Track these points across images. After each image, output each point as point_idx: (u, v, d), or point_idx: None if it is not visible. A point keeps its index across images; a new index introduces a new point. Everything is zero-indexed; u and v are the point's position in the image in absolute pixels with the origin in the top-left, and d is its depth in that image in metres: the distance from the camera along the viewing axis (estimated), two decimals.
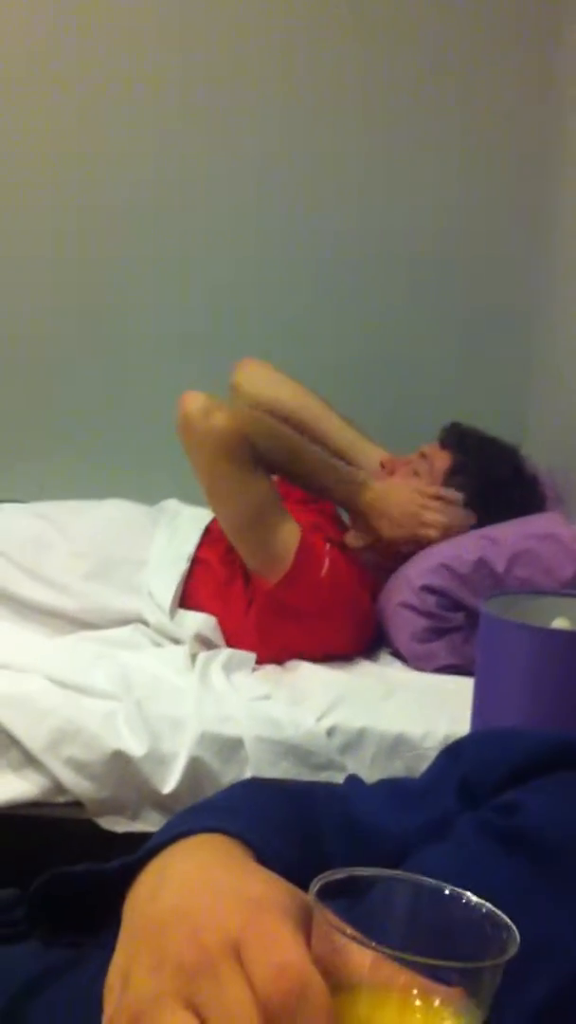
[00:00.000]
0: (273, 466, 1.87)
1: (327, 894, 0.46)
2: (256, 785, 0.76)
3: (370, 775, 1.59)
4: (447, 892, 0.48)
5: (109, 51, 2.45)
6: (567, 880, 0.59)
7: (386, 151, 2.49)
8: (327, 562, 1.86)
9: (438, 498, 1.98)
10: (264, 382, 2.02)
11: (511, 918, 0.46)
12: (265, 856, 0.57)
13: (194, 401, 1.82)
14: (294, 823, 0.66)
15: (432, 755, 1.48)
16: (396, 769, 1.57)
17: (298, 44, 2.45)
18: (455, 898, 0.48)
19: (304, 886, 0.49)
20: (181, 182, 2.49)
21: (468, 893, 0.47)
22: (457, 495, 1.98)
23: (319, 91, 2.47)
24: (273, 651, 1.88)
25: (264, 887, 0.50)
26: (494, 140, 2.48)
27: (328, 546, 1.91)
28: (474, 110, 2.47)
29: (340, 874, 0.48)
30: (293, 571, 1.83)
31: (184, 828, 0.58)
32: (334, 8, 2.44)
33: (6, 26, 2.43)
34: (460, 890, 0.48)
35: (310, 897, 0.46)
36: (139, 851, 0.59)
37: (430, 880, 0.49)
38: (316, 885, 0.47)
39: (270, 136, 2.48)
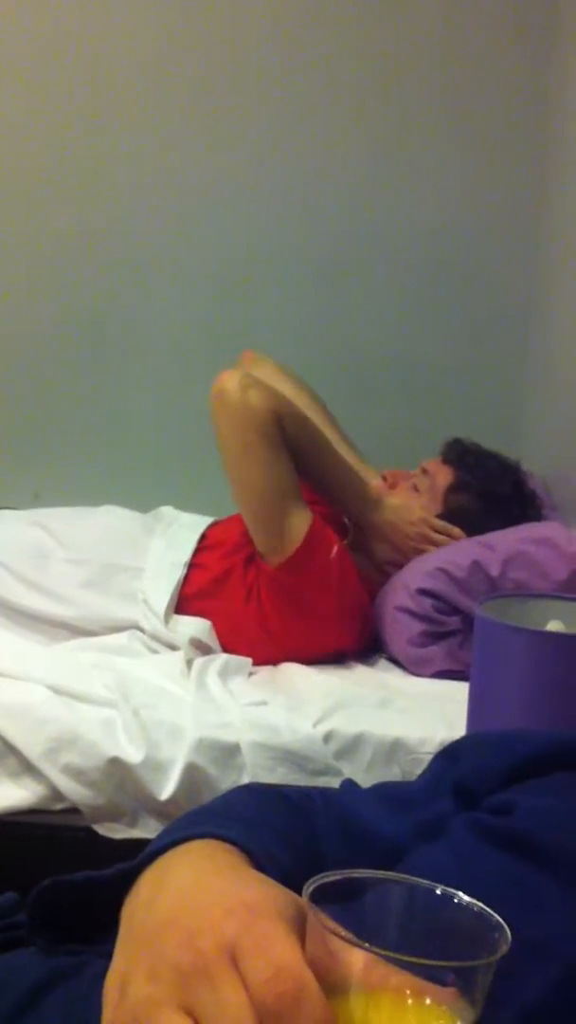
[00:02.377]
0: (293, 458, 1.88)
1: (322, 898, 0.47)
2: (252, 790, 0.76)
3: (367, 780, 1.57)
4: (439, 892, 0.48)
5: (106, 55, 2.44)
6: (560, 879, 0.59)
7: (385, 154, 2.49)
8: (336, 548, 1.88)
9: (446, 534, 2.01)
10: (280, 386, 2.01)
11: (505, 917, 0.46)
12: (261, 861, 0.57)
13: (232, 378, 1.86)
14: (290, 827, 0.67)
15: (429, 759, 1.49)
16: (393, 774, 1.57)
17: (297, 46, 2.45)
18: (447, 898, 0.48)
19: (301, 890, 0.49)
20: (177, 187, 2.49)
21: (460, 893, 0.48)
22: (463, 536, 2.00)
23: (317, 93, 2.47)
24: (272, 644, 1.88)
25: (259, 891, 0.50)
26: (492, 145, 2.48)
27: (338, 537, 1.92)
28: (473, 115, 2.47)
29: (334, 876, 0.48)
30: (302, 551, 1.85)
31: (181, 835, 0.59)
32: (333, 8, 2.44)
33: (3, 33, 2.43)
34: (452, 890, 0.48)
35: (304, 899, 0.47)
36: (137, 858, 0.59)
37: (423, 881, 0.49)
38: (310, 887, 0.47)
39: (267, 139, 2.48)
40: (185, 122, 2.48)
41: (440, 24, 2.45)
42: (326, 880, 0.48)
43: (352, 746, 1.60)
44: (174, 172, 2.49)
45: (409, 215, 2.51)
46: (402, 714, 1.68)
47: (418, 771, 1.34)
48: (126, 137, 2.47)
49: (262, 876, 0.53)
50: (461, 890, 0.48)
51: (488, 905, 0.47)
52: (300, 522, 1.86)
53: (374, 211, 2.51)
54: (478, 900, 0.48)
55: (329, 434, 2.05)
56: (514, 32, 2.44)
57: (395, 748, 1.59)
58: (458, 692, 1.60)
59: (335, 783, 1.54)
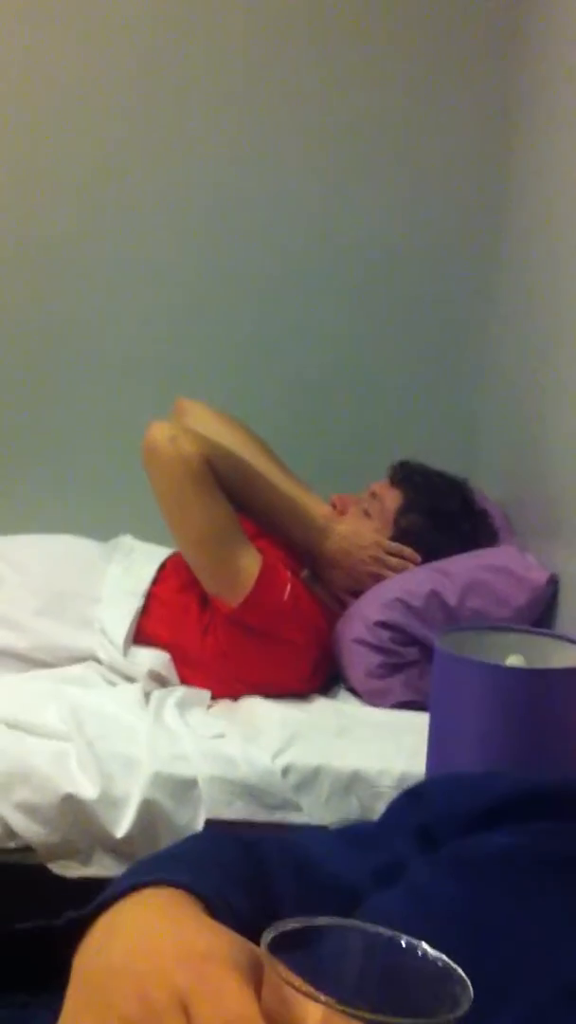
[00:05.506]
0: (233, 499, 1.87)
1: (280, 946, 0.45)
2: (208, 836, 0.75)
3: (325, 814, 1.58)
4: (403, 943, 0.47)
5: (49, 64, 2.43)
6: (509, 903, 0.58)
7: (339, 177, 2.48)
8: (288, 587, 1.86)
9: (399, 555, 2.00)
10: (213, 430, 2.01)
11: (462, 956, 0.45)
12: (216, 908, 0.56)
13: (160, 429, 1.85)
14: (247, 873, 0.65)
15: (388, 793, 1.48)
16: (351, 807, 1.55)
17: (253, 65, 2.45)
18: (410, 949, 0.47)
19: (257, 936, 0.48)
20: (134, 204, 2.47)
21: (424, 944, 0.46)
22: (417, 556, 2.00)
23: (268, 106, 2.45)
24: (230, 680, 1.86)
25: (213, 940, 0.49)
26: (449, 169, 2.48)
27: (289, 574, 1.91)
28: (429, 126, 2.47)
29: (293, 924, 0.47)
30: (255, 593, 1.82)
31: (133, 881, 0.57)
32: (290, 18, 2.45)
33: None
34: (415, 941, 0.47)
35: (261, 949, 0.45)
36: (89, 905, 0.58)
37: (386, 930, 0.48)
38: (268, 936, 0.45)
39: (219, 154, 2.46)
40: (137, 142, 2.46)
41: (396, 49, 2.45)
42: (284, 928, 0.46)
43: (310, 779, 1.58)
44: (125, 191, 2.46)
45: (363, 239, 2.51)
46: (361, 745, 1.67)
47: (377, 804, 1.33)
48: (69, 152, 2.45)
49: (216, 923, 0.52)
50: (417, 929, 0.47)
51: (445, 944, 0.46)
52: (248, 565, 1.84)
53: (327, 236, 2.50)
54: (434, 939, 0.46)
55: (268, 469, 2.05)
56: (475, 50, 2.45)
57: (353, 781, 1.58)
58: (417, 722, 1.60)
59: (294, 817, 1.54)
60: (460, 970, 0.45)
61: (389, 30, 2.45)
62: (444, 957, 0.46)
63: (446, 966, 0.45)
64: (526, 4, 2.35)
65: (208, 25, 2.43)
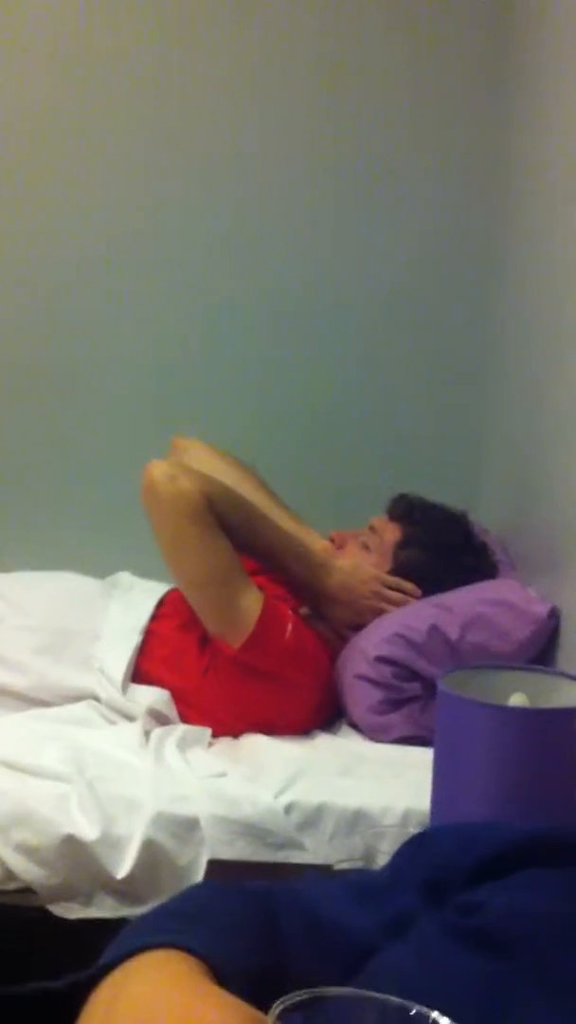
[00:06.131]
0: (232, 536, 1.87)
1: (289, 1014, 0.45)
2: (212, 887, 0.74)
3: (329, 852, 1.57)
4: (412, 1012, 0.46)
5: (55, 106, 2.44)
6: (531, 977, 0.57)
7: (342, 204, 2.50)
8: (290, 626, 1.86)
9: (398, 590, 1.99)
10: (211, 467, 2.01)
11: (473, 1019, 0.45)
12: (225, 972, 0.55)
13: (158, 468, 1.85)
14: (255, 928, 0.64)
15: (392, 832, 1.47)
16: (355, 846, 1.54)
17: (257, 101, 2.46)
18: (421, 1018, 0.46)
19: (266, 993, 0.47)
20: (136, 240, 2.48)
21: (435, 1013, 0.46)
22: (417, 591, 1.99)
23: (274, 142, 2.47)
24: (231, 720, 1.85)
25: (220, 1013, 0.48)
26: (447, 197, 2.49)
27: (291, 612, 1.90)
28: (430, 160, 2.48)
29: (300, 996, 0.46)
30: (257, 633, 1.82)
31: (138, 943, 0.56)
32: (291, 51, 2.47)
33: None
34: (427, 1010, 0.46)
35: (269, 1020, 0.45)
36: (93, 967, 0.57)
37: (395, 998, 0.47)
38: (277, 1009, 0.45)
39: (224, 189, 2.48)
40: (142, 179, 2.47)
41: (403, 85, 2.47)
42: (293, 1001, 0.45)
43: (314, 818, 1.57)
44: (131, 228, 2.48)
45: (365, 274, 2.51)
46: (363, 783, 1.65)
47: (381, 845, 1.32)
48: (75, 192, 2.46)
49: (223, 994, 0.51)
50: (427, 996, 0.46)
51: (453, 1013, 0.45)
52: (250, 604, 1.83)
53: (330, 271, 2.51)
54: (445, 1007, 0.46)
55: (266, 505, 2.05)
56: (471, 87, 2.46)
57: (357, 819, 1.56)
58: (420, 758, 1.58)
59: (297, 856, 1.53)
60: None
61: (389, 68, 2.47)
62: None
63: None
64: (518, 38, 2.37)
65: (211, 67, 2.46)
